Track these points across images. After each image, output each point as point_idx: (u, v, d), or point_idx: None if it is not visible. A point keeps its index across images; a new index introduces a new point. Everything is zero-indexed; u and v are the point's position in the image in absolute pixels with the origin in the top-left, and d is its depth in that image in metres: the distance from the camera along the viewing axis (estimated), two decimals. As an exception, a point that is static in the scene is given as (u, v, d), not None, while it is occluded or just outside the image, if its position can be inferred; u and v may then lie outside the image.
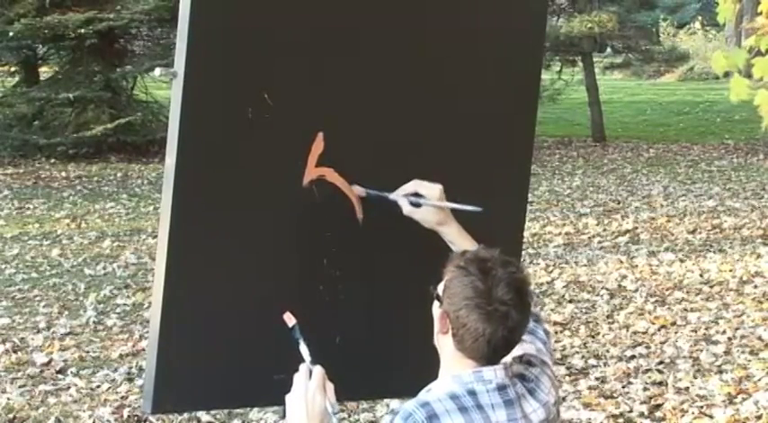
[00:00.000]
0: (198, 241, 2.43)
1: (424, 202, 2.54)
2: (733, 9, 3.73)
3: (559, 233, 9.62)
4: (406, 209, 2.55)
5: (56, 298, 7.39)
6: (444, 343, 2.22)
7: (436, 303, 2.25)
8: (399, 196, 2.55)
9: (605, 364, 5.85)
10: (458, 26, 2.72)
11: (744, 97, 3.61)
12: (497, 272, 2.17)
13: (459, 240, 2.54)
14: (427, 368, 2.32)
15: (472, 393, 2.16)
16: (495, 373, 2.19)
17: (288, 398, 2.26)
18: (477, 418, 2.14)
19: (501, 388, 2.19)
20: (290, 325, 2.36)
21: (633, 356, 5.98)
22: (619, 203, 11.35)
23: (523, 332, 2.25)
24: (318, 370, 2.27)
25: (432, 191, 2.53)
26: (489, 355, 2.18)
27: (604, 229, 9.79)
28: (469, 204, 2.50)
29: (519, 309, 2.17)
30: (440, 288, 2.24)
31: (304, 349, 2.32)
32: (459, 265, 2.21)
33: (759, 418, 5.03)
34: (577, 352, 6.07)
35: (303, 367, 2.29)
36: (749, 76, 3.80)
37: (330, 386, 2.27)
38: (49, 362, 5.94)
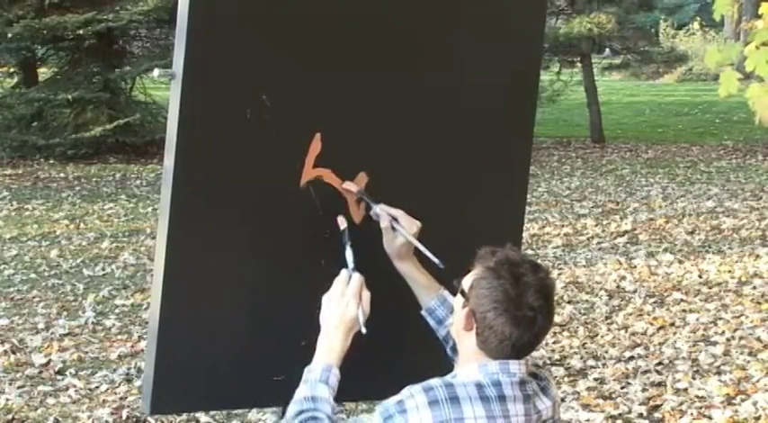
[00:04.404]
0: (196, 242, 2.44)
1: (400, 230, 2.57)
2: (729, 4, 3.74)
3: (558, 234, 9.62)
4: (383, 224, 2.59)
5: (54, 299, 7.38)
6: (466, 339, 2.25)
7: (460, 298, 2.26)
8: (383, 211, 2.59)
9: (604, 365, 5.84)
10: (457, 27, 2.72)
11: (734, 91, 3.62)
12: (528, 277, 2.21)
13: (415, 275, 2.61)
14: (425, 369, 2.33)
15: (497, 384, 2.20)
16: (519, 368, 2.23)
17: (324, 298, 2.37)
18: (496, 409, 2.18)
19: (522, 383, 2.23)
20: (341, 228, 2.49)
21: (632, 357, 5.97)
22: (617, 204, 11.35)
23: (545, 336, 2.30)
24: (357, 277, 2.38)
25: (410, 226, 2.58)
26: (512, 357, 2.22)
27: (603, 230, 9.79)
28: (438, 254, 2.53)
29: (546, 315, 2.23)
30: (465, 284, 2.26)
31: (349, 255, 2.43)
32: (490, 266, 2.23)
33: (758, 419, 5.03)
34: (576, 353, 6.07)
35: (344, 272, 2.40)
36: (747, 76, 3.80)
37: (366, 295, 2.38)
38: (48, 363, 5.94)
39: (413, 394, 2.16)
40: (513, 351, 2.20)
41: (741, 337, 6.33)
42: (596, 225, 10.04)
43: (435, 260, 2.53)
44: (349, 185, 2.59)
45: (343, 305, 2.34)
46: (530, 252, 8.54)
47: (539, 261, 2.36)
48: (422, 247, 2.56)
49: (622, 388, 5.47)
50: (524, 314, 2.18)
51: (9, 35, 14.04)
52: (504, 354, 2.21)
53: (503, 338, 2.19)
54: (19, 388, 5.55)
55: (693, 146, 16.64)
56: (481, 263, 2.25)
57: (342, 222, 2.51)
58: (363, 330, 2.33)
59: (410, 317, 2.69)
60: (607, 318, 6.82)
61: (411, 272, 2.61)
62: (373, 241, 2.63)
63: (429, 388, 2.16)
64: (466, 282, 2.26)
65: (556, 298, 7.82)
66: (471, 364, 2.23)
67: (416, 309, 2.65)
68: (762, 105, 3.64)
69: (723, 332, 6.45)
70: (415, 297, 2.65)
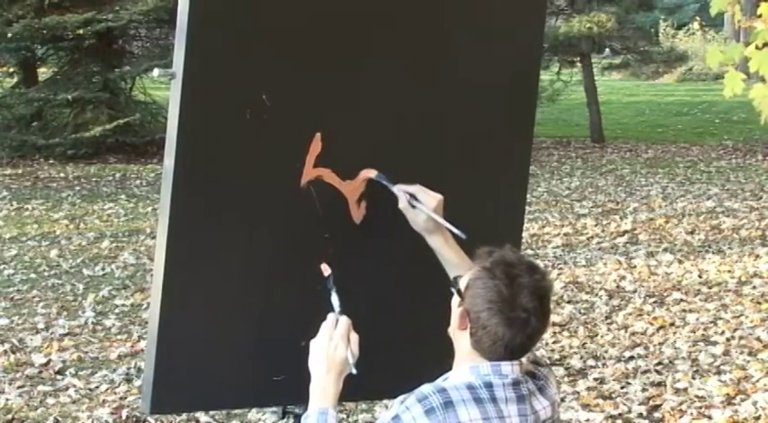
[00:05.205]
0: (196, 242, 2.44)
1: (419, 206, 2.56)
2: (728, 2, 3.72)
3: (558, 234, 9.62)
4: (402, 204, 2.57)
5: (54, 299, 7.39)
6: (461, 338, 2.25)
7: (456, 298, 2.26)
8: (401, 191, 2.57)
9: (604, 365, 5.85)
10: (456, 27, 2.72)
11: (738, 92, 3.61)
12: (523, 278, 2.19)
13: (444, 251, 2.57)
14: (425, 369, 2.33)
15: (488, 386, 2.20)
16: (511, 369, 2.22)
17: (312, 343, 2.34)
18: (491, 410, 2.18)
19: (515, 384, 2.23)
20: (326, 275, 2.46)
21: (632, 357, 5.98)
22: (617, 204, 11.35)
23: (540, 339, 2.29)
24: (344, 320, 2.35)
25: (430, 200, 2.56)
26: (505, 357, 2.21)
27: (603, 230, 9.79)
28: (459, 225, 2.52)
29: (540, 317, 2.21)
30: (462, 283, 2.26)
31: (335, 299, 2.41)
32: (486, 266, 2.22)
33: (758, 418, 5.03)
34: (576, 353, 6.07)
35: (331, 316, 2.37)
36: (748, 76, 3.80)
37: (354, 337, 2.35)
38: (48, 362, 5.94)
39: (408, 408, 2.15)
40: (506, 352, 2.20)
41: (741, 337, 6.33)
42: (596, 225, 10.05)
43: (456, 231, 2.53)
44: (366, 172, 2.59)
45: (332, 348, 2.31)
46: (529, 252, 8.54)
47: (538, 261, 2.35)
48: (440, 220, 2.55)
49: (622, 388, 5.48)
50: (517, 315, 2.17)
51: (9, 35, 14.03)
52: (498, 354, 2.20)
53: (495, 339, 2.18)
54: (19, 388, 5.56)
55: (693, 146, 16.65)
56: (478, 263, 2.25)
57: (326, 269, 2.48)
58: (354, 371, 2.31)
59: (410, 317, 2.69)
60: (607, 318, 6.82)
61: (441, 247, 2.57)
62: (373, 241, 2.63)
63: (423, 397, 2.15)
64: (462, 281, 2.26)
65: (555, 298, 7.83)
66: (464, 365, 2.23)
67: (417, 309, 2.64)
68: (767, 106, 3.63)
69: (723, 332, 6.45)
70: (414, 297, 2.65)
